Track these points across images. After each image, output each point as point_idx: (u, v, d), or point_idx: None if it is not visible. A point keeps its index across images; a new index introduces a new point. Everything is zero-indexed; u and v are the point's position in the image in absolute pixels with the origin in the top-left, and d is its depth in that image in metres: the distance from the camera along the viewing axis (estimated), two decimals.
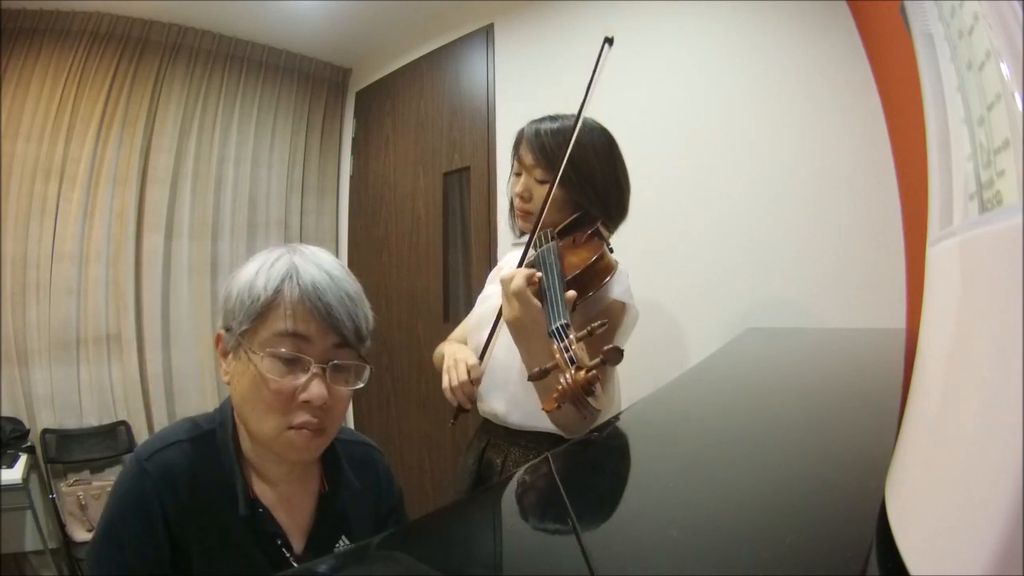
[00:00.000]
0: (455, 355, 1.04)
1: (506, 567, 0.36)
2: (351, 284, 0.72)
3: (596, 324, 0.72)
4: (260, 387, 0.67)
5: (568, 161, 0.96)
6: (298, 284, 0.68)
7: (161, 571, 0.68)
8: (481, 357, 1.00)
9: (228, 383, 0.72)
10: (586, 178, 1.00)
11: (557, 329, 0.73)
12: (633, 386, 1.15)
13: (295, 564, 0.74)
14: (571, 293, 0.81)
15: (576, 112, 1.02)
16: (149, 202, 2.53)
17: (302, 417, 0.68)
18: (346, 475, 0.81)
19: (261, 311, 0.67)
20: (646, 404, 0.79)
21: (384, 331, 2.70)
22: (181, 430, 0.74)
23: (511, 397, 1.04)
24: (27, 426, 2.25)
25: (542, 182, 1.01)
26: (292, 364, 0.68)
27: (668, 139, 1.74)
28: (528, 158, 1.02)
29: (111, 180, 2.45)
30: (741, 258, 1.58)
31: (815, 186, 1.47)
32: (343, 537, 0.79)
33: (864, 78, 1.38)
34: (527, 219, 1.04)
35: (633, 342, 1.04)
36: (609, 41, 0.95)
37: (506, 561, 0.37)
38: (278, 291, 0.67)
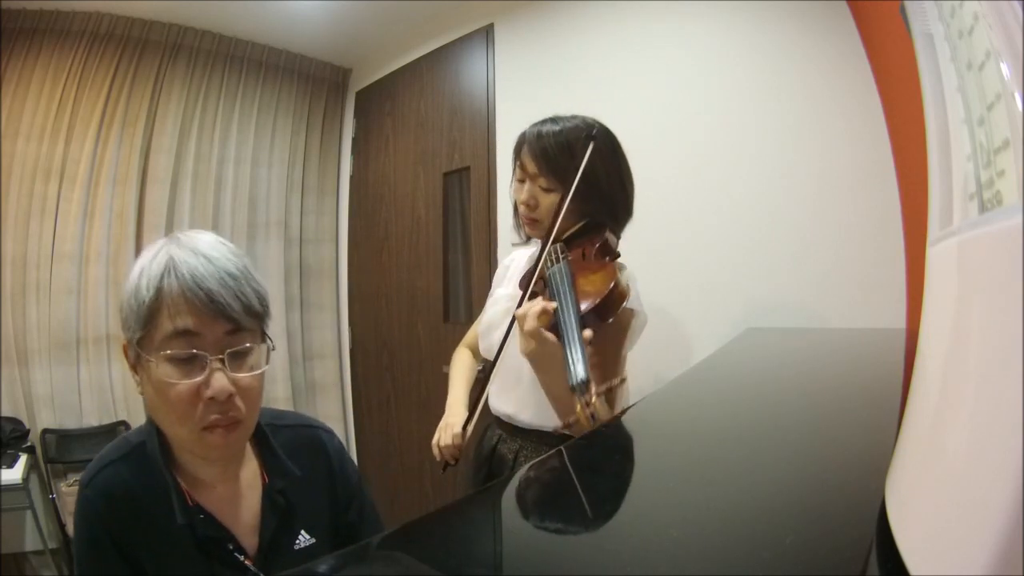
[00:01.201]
0: (447, 418, 1.09)
1: (506, 567, 0.36)
2: (233, 261, 0.68)
3: (616, 381, 0.75)
4: (165, 391, 0.64)
5: (575, 168, 0.95)
6: (176, 277, 0.64)
7: None
8: (494, 363, 1.00)
9: (141, 393, 0.69)
10: (593, 186, 0.97)
11: (578, 385, 0.73)
12: (633, 386, 1.15)
13: (251, 567, 0.71)
14: (587, 334, 0.79)
15: (575, 114, 1.02)
16: (149, 202, 2.53)
17: (211, 415, 0.65)
18: (283, 464, 0.77)
19: (148, 315, 0.64)
20: (646, 404, 0.79)
21: (384, 331, 2.70)
22: (113, 449, 0.73)
23: (521, 398, 1.07)
24: (27, 426, 2.25)
25: (547, 190, 0.99)
26: (188, 363, 0.65)
27: (668, 139, 1.74)
28: (531, 166, 1.00)
29: (111, 180, 2.45)
30: (741, 258, 1.58)
31: (815, 186, 1.47)
32: (302, 532, 0.77)
33: (864, 78, 1.38)
34: (535, 226, 1.03)
35: (637, 341, 1.04)
36: (592, 138, 0.94)
37: (506, 561, 0.37)
38: (159, 290, 0.64)
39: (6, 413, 2.23)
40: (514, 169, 1.07)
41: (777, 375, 1.01)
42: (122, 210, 2.47)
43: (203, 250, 0.66)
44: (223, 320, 0.65)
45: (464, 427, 1.04)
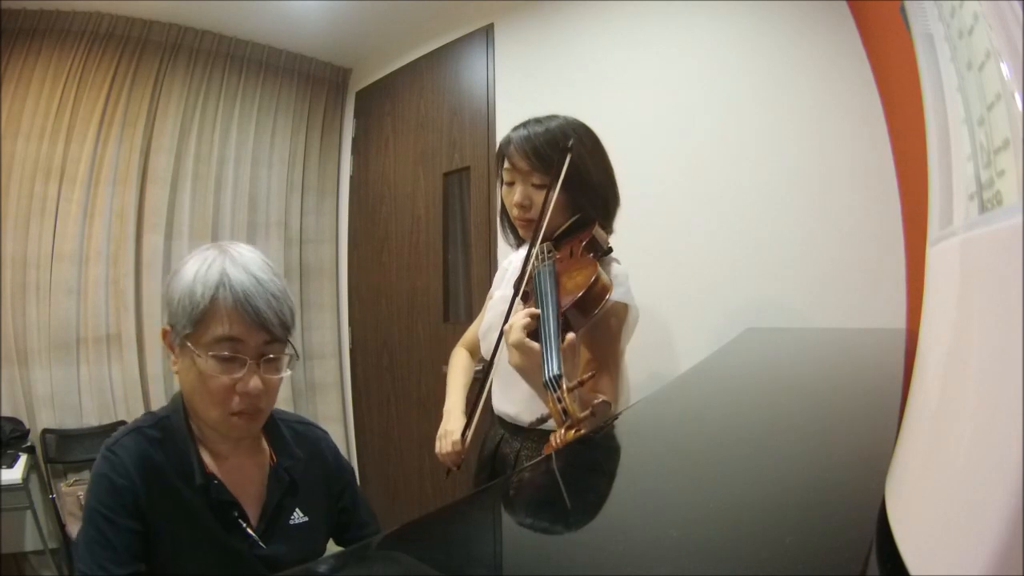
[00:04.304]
0: (446, 425, 1.12)
1: (506, 567, 0.36)
2: (276, 284, 0.81)
3: (587, 376, 0.75)
4: (205, 382, 0.78)
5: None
6: (231, 291, 0.77)
7: (140, 548, 0.76)
8: (490, 364, 1.01)
9: (176, 373, 0.83)
10: (583, 178, 0.99)
11: (550, 380, 0.74)
12: (633, 386, 1.15)
13: (252, 534, 0.82)
14: (570, 337, 0.79)
15: (556, 114, 1.03)
16: (149, 202, 2.53)
17: (241, 405, 0.79)
18: (290, 447, 0.91)
19: (201, 317, 0.77)
20: (646, 404, 0.79)
21: (384, 331, 2.70)
22: (140, 420, 0.85)
23: (521, 398, 1.07)
24: (27, 426, 2.25)
25: (540, 187, 0.99)
26: (230, 362, 0.78)
27: (668, 139, 1.74)
28: (523, 164, 0.99)
29: (111, 180, 2.45)
30: (741, 258, 1.58)
31: (815, 186, 1.47)
32: (296, 510, 0.88)
33: (864, 78, 1.38)
34: (529, 227, 1.01)
35: (633, 342, 1.04)
36: (568, 149, 0.95)
37: (506, 561, 0.37)
38: (214, 299, 0.76)
39: (6, 413, 2.23)
40: (500, 173, 1.06)
41: (777, 375, 1.01)
42: (122, 210, 2.47)
43: (253, 271, 0.79)
44: (264, 332, 0.79)
45: (463, 434, 1.05)
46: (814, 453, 0.53)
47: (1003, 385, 0.20)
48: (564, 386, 0.72)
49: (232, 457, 0.85)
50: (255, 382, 0.78)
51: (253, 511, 0.84)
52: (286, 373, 0.84)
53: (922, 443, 0.29)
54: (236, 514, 0.82)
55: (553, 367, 0.75)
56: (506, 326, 0.85)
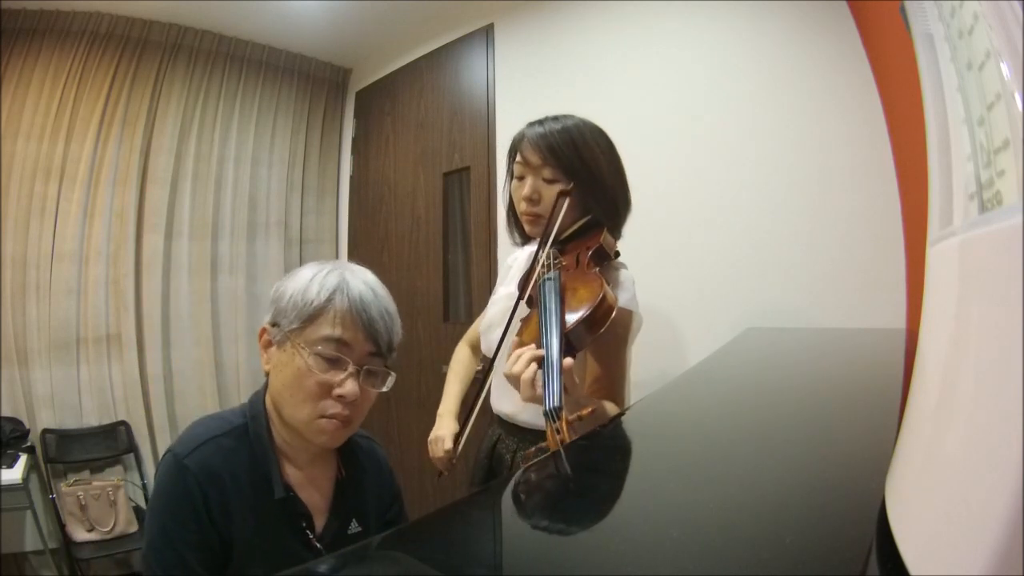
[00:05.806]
0: (437, 431, 1.16)
1: (506, 567, 0.36)
2: (390, 302, 0.84)
3: (586, 412, 0.74)
4: (303, 378, 0.77)
5: (580, 161, 0.96)
6: (348, 296, 0.78)
7: (215, 563, 0.75)
8: (492, 360, 1.01)
9: (267, 371, 0.83)
10: (596, 178, 0.98)
11: (550, 411, 0.73)
12: (634, 386, 1.15)
13: (317, 544, 0.82)
14: (568, 362, 0.78)
15: (572, 114, 1.02)
16: (149, 202, 2.54)
17: (334, 408, 0.78)
18: (360, 463, 0.92)
19: (312, 314, 0.78)
20: (646, 404, 0.79)
21: None
22: (214, 427, 0.81)
23: (519, 398, 1.05)
24: (27, 426, 2.25)
25: (551, 181, 0.98)
26: (333, 363, 0.78)
27: (668, 139, 1.74)
28: (535, 158, 0.98)
29: (111, 180, 2.45)
30: (741, 258, 1.58)
31: (815, 186, 1.47)
32: (354, 520, 0.89)
33: (864, 78, 1.38)
34: (536, 223, 1.00)
35: (633, 341, 1.04)
36: (569, 192, 0.95)
37: (506, 561, 0.37)
38: (330, 300, 0.78)
39: (6, 413, 2.23)
40: (510, 169, 1.05)
41: (777, 375, 1.01)
42: (122, 210, 2.47)
43: (371, 284, 0.82)
44: (372, 343, 0.80)
45: (455, 440, 1.07)
46: (814, 453, 0.53)
47: (1003, 385, 0.20)
48: (564, 417, 0.72)
49: (307, 469, 0.85)
50: (353, 387, 0.78)
51: (319, 520, 0.85)
52: (382, 389, 0.84)
53: (922, 443, 0.29)
54: (304, 524, 0.82)
55: (554, 399, 0.73)
56: (511, 369, 0.82)
